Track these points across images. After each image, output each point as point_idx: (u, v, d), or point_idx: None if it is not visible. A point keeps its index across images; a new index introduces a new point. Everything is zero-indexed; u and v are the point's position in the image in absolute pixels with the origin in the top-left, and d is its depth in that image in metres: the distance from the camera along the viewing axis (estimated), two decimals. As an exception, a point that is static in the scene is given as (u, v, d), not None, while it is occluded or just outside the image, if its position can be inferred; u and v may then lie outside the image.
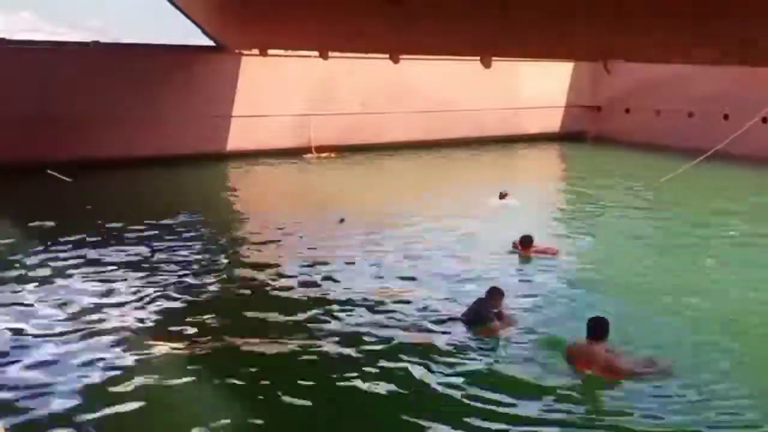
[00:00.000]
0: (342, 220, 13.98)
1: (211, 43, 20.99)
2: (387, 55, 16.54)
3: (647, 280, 10.91)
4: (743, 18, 6.97)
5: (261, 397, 7.26)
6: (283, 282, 10.62)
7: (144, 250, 11.98)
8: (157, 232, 13.15)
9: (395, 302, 9.71)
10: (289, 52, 21.00)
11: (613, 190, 17.93)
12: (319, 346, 8.29)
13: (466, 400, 7.05)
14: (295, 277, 10.84)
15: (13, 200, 15.71)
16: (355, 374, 7.64)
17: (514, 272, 11.19)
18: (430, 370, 7.69)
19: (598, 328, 7.55)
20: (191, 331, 8.69)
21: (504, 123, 25.97)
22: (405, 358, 8.02)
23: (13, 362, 7.78)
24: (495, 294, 9.06)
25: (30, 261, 11.16)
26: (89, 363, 7.75)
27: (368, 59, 20.32)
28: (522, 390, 7.20)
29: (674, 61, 16.44)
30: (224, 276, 10.89)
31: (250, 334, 8.58)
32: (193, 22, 19.77)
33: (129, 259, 11.44)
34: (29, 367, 7.67)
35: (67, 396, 7.08)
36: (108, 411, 6.78)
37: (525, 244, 11.78)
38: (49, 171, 17.53)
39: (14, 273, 10.58)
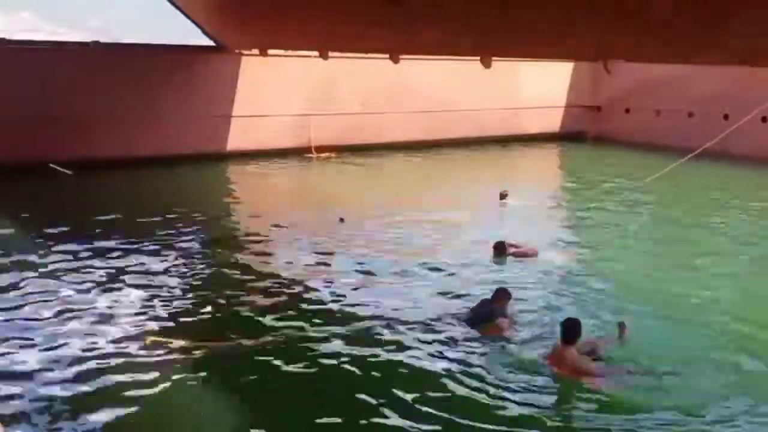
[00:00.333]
0: (342, 220, 14.00)
1: (211, 43, 20.97)
2: (387, 55, 16.52)
3: (647, 280, 10.93)
4: (743, 18, 6.98)
5: (261, 397, 7.27)
6: (283, 282, 10.63)
7: (144, 250, 11.97)
8: (157, 232, 13.14)
9: (395, 302, 9.73)
10: (289, 52, 20.97)
11: (613, 190, 17.92)
12: (320, 346, 8.30)
13: (466, 401, 7.07)
14: (295, 277, 10.83)
15: (13, 200, 15.71)
16: (355, 373, 7.67)
17: (514, 272, 11.19)
18: (433, 371, 7.72)
19: (569, 331, 7.72)
20: (191, 330, 8.69)
21: (504, 123, 25.95)
22: (405, 357, 8.04)
23: (12, 362, 7.78)
24: (501, 295, 9.07)
25: (30, 261, 11.15)
26: (89, 363, 7.74)
27: (368, 59, 20.32)
28: (508, 390, 7.29)
29: (674, 62, 16.44)
30: (224, 276, 10.89)
31: (250, 334, 8.58)
32: (193, 22, 19.76)
33: (129, 259, 11.44)
34: (29, 366, 7.66)
35: (68, 395, 7.08)
36: (108, 411, 6.78)
37: (499, 250, 11.81)
38: (51, 165, 17.83)
39: (14, 273, 10.57)
